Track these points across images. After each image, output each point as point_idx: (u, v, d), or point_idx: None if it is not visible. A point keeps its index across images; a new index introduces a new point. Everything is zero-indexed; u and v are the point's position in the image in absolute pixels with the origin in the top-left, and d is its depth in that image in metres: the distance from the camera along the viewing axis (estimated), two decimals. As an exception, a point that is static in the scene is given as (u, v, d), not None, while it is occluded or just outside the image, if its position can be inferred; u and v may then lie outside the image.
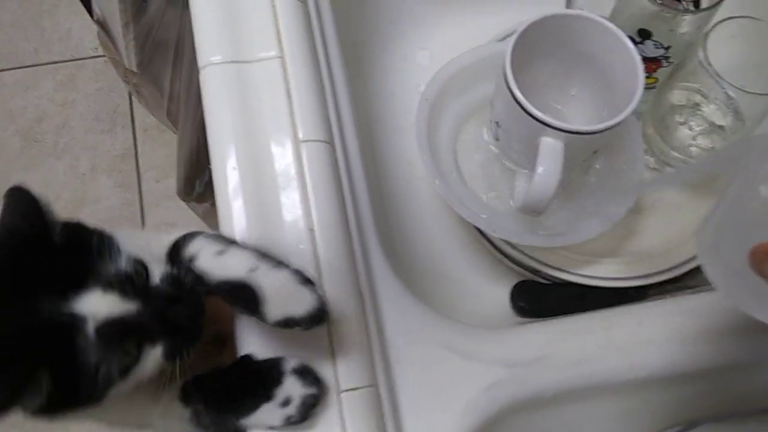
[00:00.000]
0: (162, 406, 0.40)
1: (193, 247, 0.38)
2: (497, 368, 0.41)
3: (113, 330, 0.33)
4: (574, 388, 0.42)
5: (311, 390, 0.36)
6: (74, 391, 0.34)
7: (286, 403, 0.36)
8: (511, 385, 0.41)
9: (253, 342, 0.38)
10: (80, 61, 1.59)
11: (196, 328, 0.37)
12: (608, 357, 0.42)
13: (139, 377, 0.35)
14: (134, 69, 0.85)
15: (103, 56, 1.58)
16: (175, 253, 0.39)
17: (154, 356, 0.35)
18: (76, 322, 0.33)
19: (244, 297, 0.36)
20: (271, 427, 0.36)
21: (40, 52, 1.60)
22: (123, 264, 0.35)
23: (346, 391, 0.37)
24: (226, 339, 0.41)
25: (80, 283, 0.33)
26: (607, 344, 0.42)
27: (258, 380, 0.37)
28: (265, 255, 0.36)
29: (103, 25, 0.87)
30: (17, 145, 1.51)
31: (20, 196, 0.34)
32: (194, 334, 0.37)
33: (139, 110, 1.55)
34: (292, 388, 0.36)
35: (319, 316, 0.35)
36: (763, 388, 0.44)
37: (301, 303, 0.35)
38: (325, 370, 0.37)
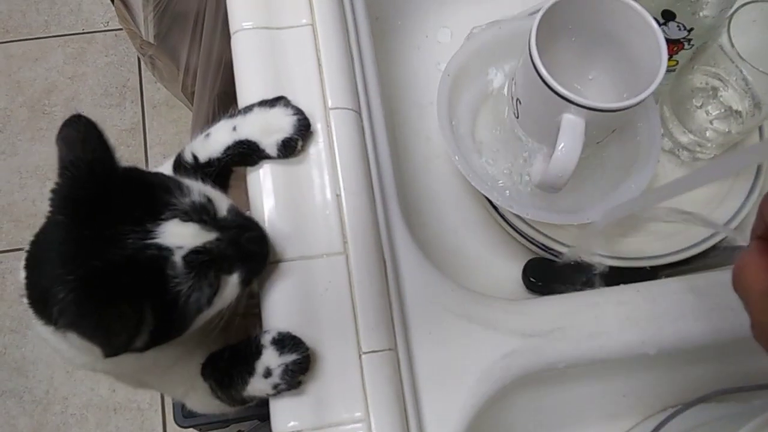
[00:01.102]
0: (189, 380, 0.41)
1: (188, 150, 0.42)
2: (513, 338, 0.42)
3: (200, 259, 0.34)
4: (586, 361, 0.43)
5: (290, 357, 0.37)
6: (171, 322, 0.34)
7: (268, 374, 0.37)
8: (526, 354, 0.42)
9: (276, 317, 0.39)
10: (90, 35, 1.59)
11: (266, 252, 0.38)
12: (622, 331, 0.43)
13: (224, 304, 0.37)
14: (151, 40, 0.85)
15: (114, 30, 1.59)
16: (177, 165, 0.42)
17: (232, 283, 0.37)
18: (164, 253, 0.33)
19: (243, 152, 0.40)
20: (269, 395, 0.37)
21: (51, 25, 1.59)
22: (196, 196, 0.36)
23: (367, 353, 0.38)
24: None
25: (158, 215, 0.34)
26: (622, 319, 0.43)
27: (244, 356, 0.38)
28: (236, 113, 0.41)
29: (121, -3, 0.87)
30: (24, 116, 1.51)
31: (83, 125, 0.34)
32: (265, 259, 0.38)
33: (149, 86, 1.55)
34: (270, 359, 0.37)
35: (304, 124, 0.39)
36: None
37: (282, 125, 0.39)
38: (347, 333, 0.38)
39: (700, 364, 0.48)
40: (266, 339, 0.38)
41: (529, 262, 0.56)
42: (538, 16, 0.47)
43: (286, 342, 0.37)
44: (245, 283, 0.37)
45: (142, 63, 1.54)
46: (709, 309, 0.44)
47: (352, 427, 0.36)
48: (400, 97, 0.59)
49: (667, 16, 0.51)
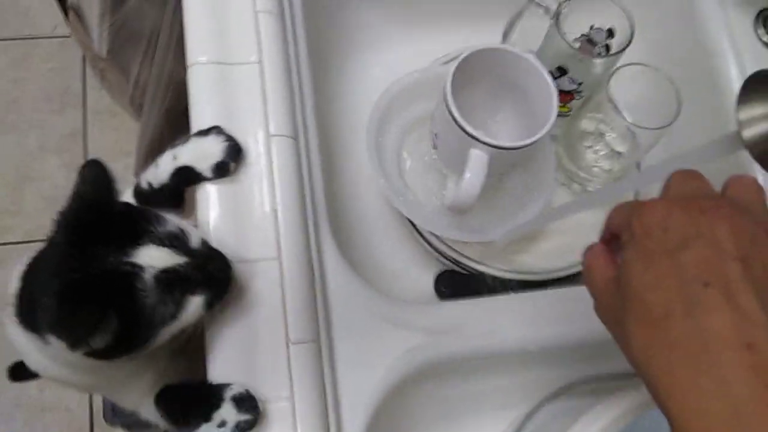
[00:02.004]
0: (140, 394, 0.48)
1: (143, 179, 0.49)
2: (418, 335, 0.50)
3: (169, 278, 0.40)
4: (480, 355, 0.51)
5: (245, 416, 0.42)
6: (135, 331, 0.40)
7: (222, 425, 0.42)
8: (429, 348, 0.50)
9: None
10: (36, 40, 1.60)
11: (228, 280, 0.44)
12: (509, 331, 0.51)
13: (187, 322, 0.42)
14: (104, 55, 0.90)
15: (60, 37, 1.60)
16: (137, 192, 0.49)
17: (195, 303, 0.42)
18: (137, 270, 0.39)
19: (185, 176, 0.47)
20: None
21: (-4, 27, 1.60)
22: (171, 227, 0.42)
23: (294, 343, 0.45)
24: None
25: (137, 240, 0.40)
26: (510, 320, 0.51)
27: (202, 402, 0.43)
28: (177, 143, 0.47)
29: (76, 11, 0.91)
30: (-36, 117, 1.51)
31: (95, 168, 0.41)
32: (227, 285, 0.44)
33: (92, 93, 1.57)
34: (228, 413, 0.42)
35: (235, 149, 0.47)
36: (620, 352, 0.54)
37: (214, 151, 0.46)
38: (278, 325, 0.45)
39: (575, 364, 0.57)
40: (228, 394, 0.42)
41: (440, 274, 0.65)
42: (454, 64, 0.56)
43: (245, 402, 0.42)
44: (209, 305, 0.43)
45: (87, 70, 1.57)
46: (581, 314, 0.53)
47: (278, 404, 0.43)
48: (336, 125, 0.67)
49: (561, 71, 0.60)
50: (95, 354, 0.41)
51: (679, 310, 0.30)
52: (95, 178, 0.41)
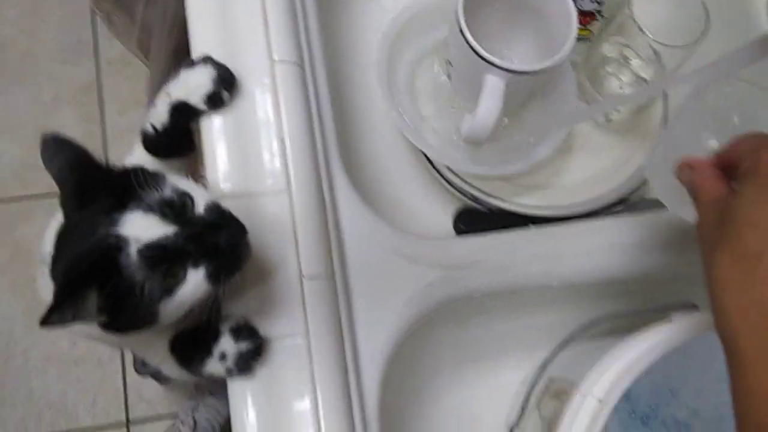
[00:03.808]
0: (163, 351, 0.46)
1: (147, 122, 0.47)
2: (436, 270, 0.48)
3: (153, 252, 0.36)
4: (500, 291, 0.49)
5: (243, 345, 0.41)
6: (128, 308, 0.37)
7: (223, 357, 0.42)
8: (447, 284, 0.48)
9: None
10: (43, -10, 1.58)
11: (237, 251, 0.39)
12: (529, 265, 0.49)
13: (188, 297, 0.38)
14: (108, -4, 0.87)
15: (67, -15, 1.58)
16: (145, 138, 0.48)
17: (196, 278, 0.38)
18: (120, 243, 0.36)
19: (182, 113, 0.46)
20: (223, 376, 0.42)
21: (3, -20, 1.57)
22: (167, 192, 0.38)
23: (308, 278, 0.44)
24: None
25: (124, 205, 0.37)
26: (529, 255, 0.50)
27: (204, 339, 0.43)
28: (170, 80, 0.46)
29: (77, -48, 0.88)
30: (-21, 70, 1.50)
31: (52, 141, 0.38)
32: (235, 257, 0.39)
33: (104, 42, 1.55)
34: (227, 344, 0.42)
35: (224, 77, 0.45)
36: (646, 290, 0.52)
37: (202, 81, 0.45)
38: (290, 258, 0.44)
39: (598, 301, 0.55)
40: (225, 326, 0.42)
41: (459, 211, 0.63)
42: (466, -15, 0.52)
43: (242, 331, 0.42)
44: (213, 279, 0.38)
45: (96, 19, 1.54)
46: (605, 248, 0.51)
47: (292, 340, 0.42)
48: (344, 57, 0.64)
49: (581, -10, 0.57)
50: (111, 328, 0.40)
51: None
52: (58, 152, 0.38)
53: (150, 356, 0.52)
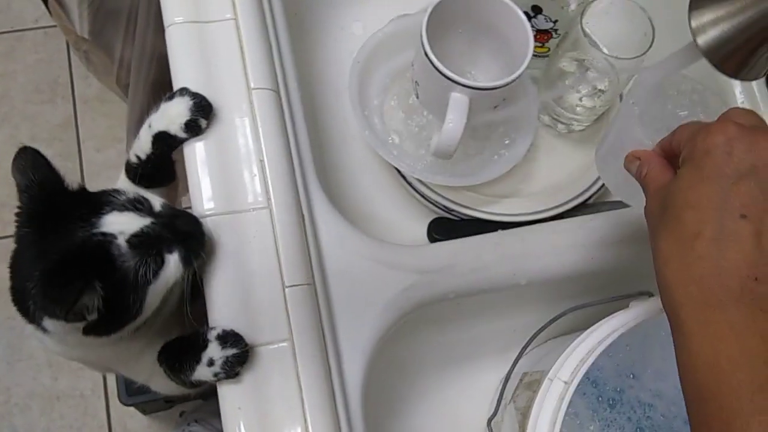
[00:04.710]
0: (150, 366, 0.49)
1: (132, 153, 0.51)
2: (412, 275, 0.51)
3: (140, 239, 0.42)
4: (472, 291, 0.52)
5: (231, 351, 0.44)
6: (122, 297, 0.42)
7: (211, 363, 0.44)
8: (423, 287, 0.51)
9: (214, 262, 0.47)
10: (20, 33, 1.60)
11: (201, 234, 0.45)
12: (498, 266, 0.53)
13: (170, 279, 0.44)
14: (86, 36, 0.90)
15: (44, 27, 1.60)
16: (128, 168, 0.52)
17: (173, 261, 0.44)
18: (108, 237, 0.41)
19: (164, 142, 0.49)
20: (212, 381, 0.45)
21: (-21, 24, 1.60)
22: (130, 194, 0.44)
23: (290, 286, 0.46)
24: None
25: (98, 210, 0.42)
26: (498, 256, 0.53)
27: (193, 347, 0.45)
28: (151, 113, 0.49)
29: (55, -5, 0.92)
30: (-45, 113, 1.51)
31: (29, 155, 0.43)
32: (199, 240, 0.45)
33: (80, 81, 1.57)
34: (214, 351, 0.44)
35: (201, 105, 0.48)
36: (609, 284, 0.55)
37: (180, 111, 0.48)
38: (272, 270, 0.46)
39: (566, 298, 0.58)
40: (212, 335, 0.45)
41: (432, 221, 0.66)
42: (429, 10, 0.56)
43: (228, 338, 0.44)
44: (186, 261, 0.45)
45: (72, 59, 1.57)
46: (568, 247, 0.54)
47: (278, 345, 0.45)
48: (318, 81, 0.68)
49: (536, 10, 0.61)
50: (96, 330, 0.43)
51: (709, 233, 0.33)
52: (34, 164, 0.43)
53: (137, 372, 0.54)
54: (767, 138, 0.34)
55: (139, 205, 0.44)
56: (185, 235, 0.45)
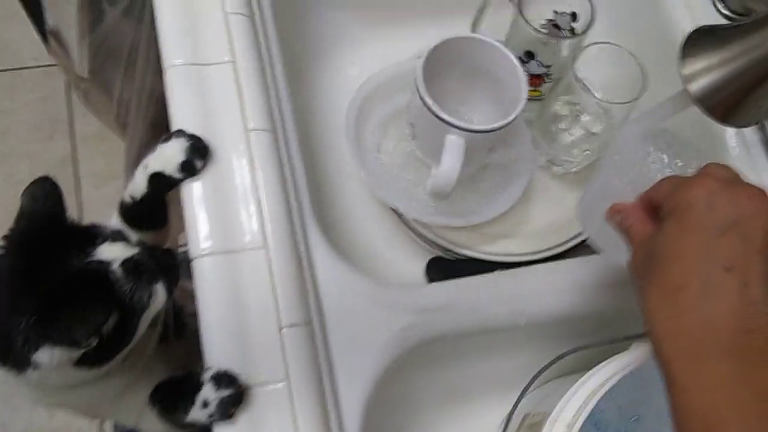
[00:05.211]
0: (139, 407, 0.49)
1: (126, 194, 0.52)
2: (408, 315, 0.51)
3: (133, 264, 0.44)
4: (470, 331, 0.52)
5: (225, 392, 0.44)
6: (123, 322, 0.43)
7: (205, 405, 0.44)
8: (420, 328, 0.51)
9: (209, 301, 0.47)
10: (19, 71, 1.62)
11: (176, 267, 0.47)
12: (496, 306, 0.52)
13: (158, 308, 0.45)
14: (85, 75, 0.92)
15: (43, 66, 1.62)
16: (122, 208, 0.53)
17: (159, 289, 0.45)
18: (104, 265, 0.42)
19: (160, 183, 0.49)
20: (206, 422, 0.45)
21: (-21, 62, 1.62)
22: (114, 228, 0.46)
23: (286, 327, 0.46)
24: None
25: (91, 241, 0.43)
26: (495, 296, 0.53)
27: (187, 388, 0.45)
28: (148, 154, 0.50)
29: (56, 35, 0.93)
30: (-46, 151, 1.52)
31: (50, 185, 0.44)
32: (177, 271, 0.47)
33: (79, 119, 1.59)
34: (209, 393, 0.44)
35: (197, 146, 0.49)
36: (609, 324, 0.55)
37: (176, 152, 0.49)
38: (269, 310, 0.46)
39: (568, 338, 0.58)
40: (206, 376, 0.44)
41: (430, 260, 0.66)
42: (424, 54, 0.57)
43: (223, 379, 0.44)
44: (169, 291, 0.46)
45: (72, 97, 1.58)
46: (567, 287, 0.54)
47: (274, 386, 0.44)
48: (315, 123, 0.68)
49: (529, 56, 0.62)
50: (88, 360, 0.43)
51: (695, 286, 0.33)
52: (49, 195, 0.44)
53: (125, 414, 0.53)
54: (746, 192, 0.35)
55: (124, 237, 0.46)
56: (167, 266, 0.47)
